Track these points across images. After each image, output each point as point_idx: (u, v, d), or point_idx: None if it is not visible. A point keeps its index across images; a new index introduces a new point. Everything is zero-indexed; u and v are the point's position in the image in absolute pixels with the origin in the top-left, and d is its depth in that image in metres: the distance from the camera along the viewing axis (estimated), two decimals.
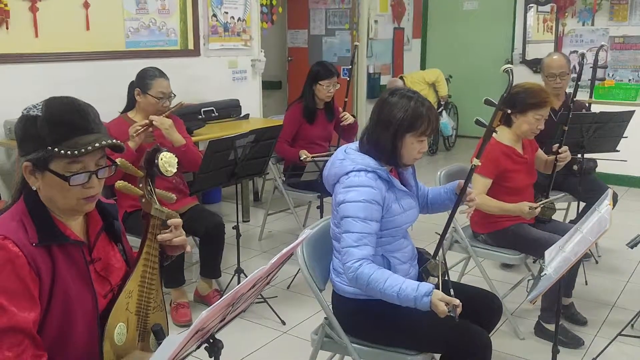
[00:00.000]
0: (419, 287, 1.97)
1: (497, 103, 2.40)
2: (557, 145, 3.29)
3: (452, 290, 2.08)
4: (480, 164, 2.40)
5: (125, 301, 1.61)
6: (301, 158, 4.07)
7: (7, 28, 3.85)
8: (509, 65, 2.38)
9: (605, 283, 3.84)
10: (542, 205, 2.95)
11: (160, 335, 1.61)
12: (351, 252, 2.06)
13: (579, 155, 3.59)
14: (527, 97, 2.97)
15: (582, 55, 3.55)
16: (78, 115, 1.50)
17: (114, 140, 1.52)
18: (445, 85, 7.76)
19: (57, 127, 1.47)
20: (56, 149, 1.45)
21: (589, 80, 3.74)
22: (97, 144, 1.47)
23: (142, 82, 3.29)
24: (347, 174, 2.15)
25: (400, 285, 1.99)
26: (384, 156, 2.17)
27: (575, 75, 3.54)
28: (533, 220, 3.06)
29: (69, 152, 1.45)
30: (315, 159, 3.91)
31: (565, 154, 3.27)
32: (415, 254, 2.36)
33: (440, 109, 7.73)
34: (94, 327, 1.56)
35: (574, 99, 3.43)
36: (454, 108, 8.29)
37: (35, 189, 1.52)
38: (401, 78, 7.70)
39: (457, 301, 1.92)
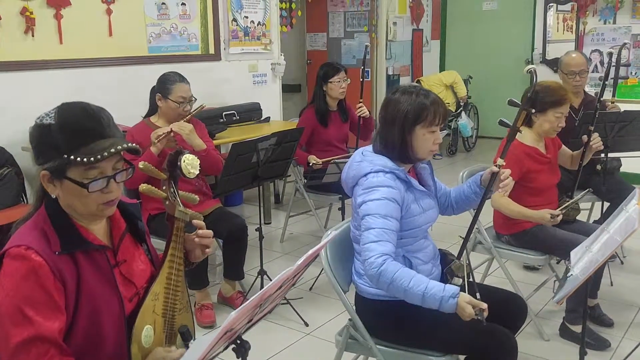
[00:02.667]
0: (445, 288, 1.94)
1: (520, 103, 2.38)
2: (585, 136, 3.26)
3: (477, 292, 2.06)
4: (504, 163, 2.38)
5: (152, 304, 1.62)
6: (310, 164, 4.08)
7: (32, 35, 3.92)
8: (532, 66, 2.36)
9: (631, 284, 3.79)
10: (563, 212, 2.90)
11: (187, 336, 1.62)
12: (372, 248, 2.01)
13: (603, 155, 3.55)
14: (545, 96, 2.95)
15: (610, 55, 3.51)
16: (92, 121, 1.48)
17: (130, 144, 1.50)
18: (464, 86, 7.72)
19: (72, 134, 1.45)
20: (72, 157, 1.44)
21: (611, 79, 3.68)
22: (112, 150, 1.45)
23: (163, 87, 3.33)
24: (365, 175, 2.15)
25: (427, 284, 1.95)
26: (395, 153, 2.17)
27: (601, 75, 3.50)
28: None
29: (85, 159, 1.43)
30: (336, 161, 3.92)
31: (597, 140, 3.25)
32: (437, 254, 2.35)
33: (459, 110, 7.71)
34: (121, 331, 1.56)
35: (601, 99, 3.40)
36: (474, 109, 8.25)
37: (54, 196, 1.52)
38: (418, 82, 7.68)
39: (484, 305, 1.91)
